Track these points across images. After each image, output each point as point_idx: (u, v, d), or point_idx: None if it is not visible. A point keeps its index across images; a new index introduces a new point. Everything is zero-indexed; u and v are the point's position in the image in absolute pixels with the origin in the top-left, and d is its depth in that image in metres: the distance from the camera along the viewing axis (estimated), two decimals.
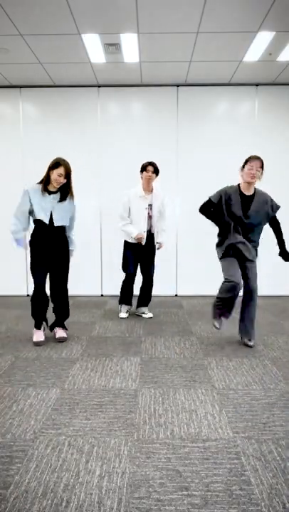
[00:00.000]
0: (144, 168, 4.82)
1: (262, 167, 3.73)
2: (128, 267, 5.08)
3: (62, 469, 2.05)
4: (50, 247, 4.00)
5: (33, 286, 4.08)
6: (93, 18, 4.27)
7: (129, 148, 6.32)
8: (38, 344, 4.07)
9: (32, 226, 4.04)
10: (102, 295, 6.60)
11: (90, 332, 4.54)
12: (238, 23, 4.37)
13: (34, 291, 4.06)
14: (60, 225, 4.01)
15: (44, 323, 4.26)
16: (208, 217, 3.98)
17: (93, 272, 6.57)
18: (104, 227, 6.45)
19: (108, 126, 6.35)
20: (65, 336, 4.26)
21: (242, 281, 3.86)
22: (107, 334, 4.47)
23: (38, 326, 4.20)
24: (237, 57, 5.26)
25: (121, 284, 5.23)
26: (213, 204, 3.88)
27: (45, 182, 3.90)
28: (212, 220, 3.98)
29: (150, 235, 5.00)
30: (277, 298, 6.38)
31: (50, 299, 4.21)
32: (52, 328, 4.33)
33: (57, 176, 3.83)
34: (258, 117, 6.29)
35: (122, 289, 5.24)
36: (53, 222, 3.96)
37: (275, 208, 3.89)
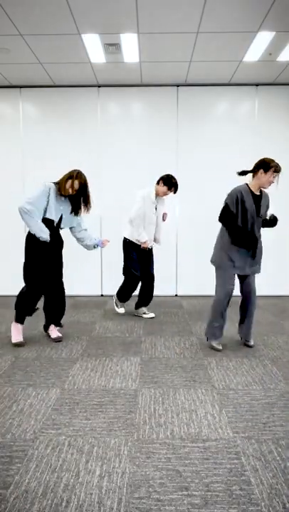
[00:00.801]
0: (169, 186, 4.84)
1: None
2: (137, 270, 5.05)
3: (62, 469, 2.06)
4: (49, 247, 4.00)
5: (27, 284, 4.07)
6: (93, 18, 4.27)
7: (129, 148, 6.33)
8: (19, 345, 4.05)
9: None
10: (102, 295, 6.60)
11: (90, 332, 4.54)
12: (238, 23, 4.36)
13: (29, 290, 4.04)
14: (63, 227, 4.11)
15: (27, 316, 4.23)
16: (229, 226, 3.76)
17: (93, 272, 6.57)
18: (104, 227, 6.45)
19: (108, 127, 6.35)
20: (61, 335, 4.30)
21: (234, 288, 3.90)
22: (107, 334, 4.47)
23: (22, 321, 4.16)
24: (237, 57, 5.26)
25: (124, 285, 5.18)
26: (233, 212, 3.72)
27: (60, 186, 3.92)
28: (231, 229, 3.75)
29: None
30: (277, 298, 6.38)
31: (45, 298, 4.23)
32: (46, 328, 4.36)
33: (69, 187, 3.90)
34: (258, 117, 6.29)
35: (127, 290, 5.19)
36: (59, 224, 4.04)
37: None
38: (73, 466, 2.09)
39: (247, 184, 3.78)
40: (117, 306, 5.35)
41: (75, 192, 3.93)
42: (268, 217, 3.83)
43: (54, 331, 4.30)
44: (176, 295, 6.61)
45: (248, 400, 2.86)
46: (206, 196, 6.25)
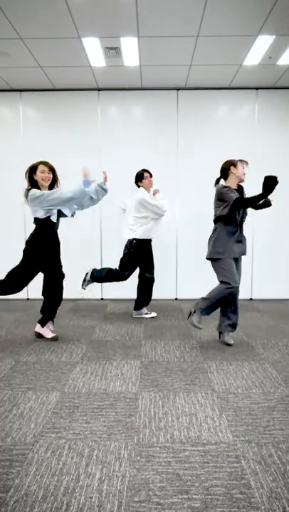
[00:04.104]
0: (143, 176, 5.13)
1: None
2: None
3: (62, 473, 2.05)
4: (51, 249, 4.08)
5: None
6: (93, 21, 4.28)
7: (130, 151, 6.33)
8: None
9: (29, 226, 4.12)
10: (102, 299, 6.59)
11: (90, 335, 4.54)
12: (237, 26, 4.38)
13: (6, 282, 4.06)
14: (69, 214, 4.11)
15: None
16: (251, 202, 3.83)
17: None
18: (105, 230, 6.45)
19: (108, 130, 6.36)
20: (40, 332, 4.40)
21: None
22: (107, 338, 4.47)
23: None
24: (237, 61, 5.28)
25: (148, 288, 5.36)
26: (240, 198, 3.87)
27: (34, 186, 3.97)
28: (253, 201, 3.81)
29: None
30: (276, 301, 6.38)
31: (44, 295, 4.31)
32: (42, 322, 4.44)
33: (41, 174, 3.93)
34: (258, 121, 6.30)
35: (150, 292, 5.42)
36: (57, 224, 4.06)
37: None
38: (73, 469, 2.08)
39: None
40: (148, 313, 5.47)
41: (50, 174, 3.99)
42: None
43: (48, 332, 4.37)
44: (176, 299, 6.61)
45: (248, 404, 2.86)
46: (207, 199, 6.21)
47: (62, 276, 4.25)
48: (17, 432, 2.46)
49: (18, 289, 4.09)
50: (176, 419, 2.64)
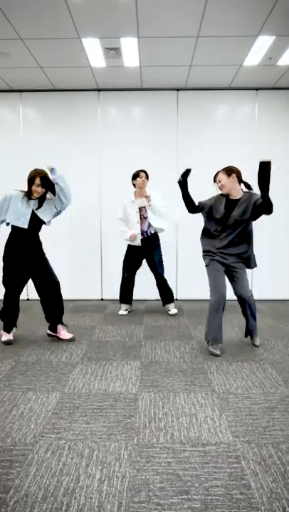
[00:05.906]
0: (137, 175, 5.29)
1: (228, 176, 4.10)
2: (125, 270, 5.47)
3: (62, 473, 2.05)
4: (27, 252, 4.13)
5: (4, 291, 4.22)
6: (93, 22, 4.28)
7: (130, 152, 6.33)
8: (8, 343, 4.22)
9: (8, 230, 4.15)
10: (102, 299, 6.59)
11: (90, 336, 4.54)
12: (237, 27, 4.38)
13: (6, 298, 4.21)
14: (46, 220, 4.18)
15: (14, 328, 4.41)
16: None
17: (93, 276, 6.55)
18: (105, 231, 6.45)
19: (108, 130, 6.36)
20: (72, 335, 4.39)
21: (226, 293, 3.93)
22: (107, 338, 4.46)
23: (7, 330, 4.34)
24: (237, 62, 5.28)
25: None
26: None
27: (28, 193, 4.09)
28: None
29: (148, 237, 5.32)
30: (276, 302, 6.37)
31: (41, 302, 4.33)
32: (52, 329, 4.40)
33: (35, 187, 4.03)
34: (258, 121, 6.30)
35: (120, 288, 5.60)
36: (31, 227, 4.11)
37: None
38: (73, 470, 2.08)
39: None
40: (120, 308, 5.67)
41: (43, 190, 4.07)
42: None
43: (64, 333, 4.39)
44: (176, 299, 6.60)
45: (248, 404, 2.86)
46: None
47: (52, 284, 4.26)
48: (17, 432, 2.46)
49: (11, 295, 4.21)
50: (176, 419, 2.64)
